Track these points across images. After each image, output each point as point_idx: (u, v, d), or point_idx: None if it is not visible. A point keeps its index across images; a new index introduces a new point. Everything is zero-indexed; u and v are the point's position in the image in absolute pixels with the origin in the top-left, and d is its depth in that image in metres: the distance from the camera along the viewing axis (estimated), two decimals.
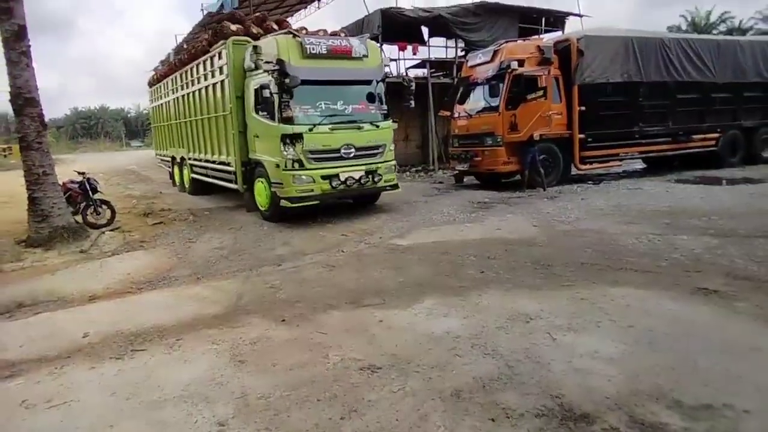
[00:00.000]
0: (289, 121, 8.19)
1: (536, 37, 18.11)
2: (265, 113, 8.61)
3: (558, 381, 3.05)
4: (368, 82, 9.05)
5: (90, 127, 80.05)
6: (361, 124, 8.75)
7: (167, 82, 14.47)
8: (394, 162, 9.32)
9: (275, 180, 8.50)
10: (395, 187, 9.31)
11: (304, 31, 9.34)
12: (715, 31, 45.92)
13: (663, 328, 3.70)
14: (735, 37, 18.40)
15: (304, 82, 8.10)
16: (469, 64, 12.52)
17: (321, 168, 8.39)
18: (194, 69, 11.67)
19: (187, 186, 13.82)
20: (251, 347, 3.84)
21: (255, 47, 8.61)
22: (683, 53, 12.41)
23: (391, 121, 9.22)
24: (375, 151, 8.90)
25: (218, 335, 4.10)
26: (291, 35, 8.59)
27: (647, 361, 3.24)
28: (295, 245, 7.36)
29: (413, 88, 9.79)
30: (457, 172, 12.67)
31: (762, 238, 6.02)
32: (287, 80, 7.98)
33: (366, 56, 9.01)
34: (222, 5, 19.24)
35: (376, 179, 8.86)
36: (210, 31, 10.82)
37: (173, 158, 14.87)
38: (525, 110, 10.83)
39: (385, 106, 9.20)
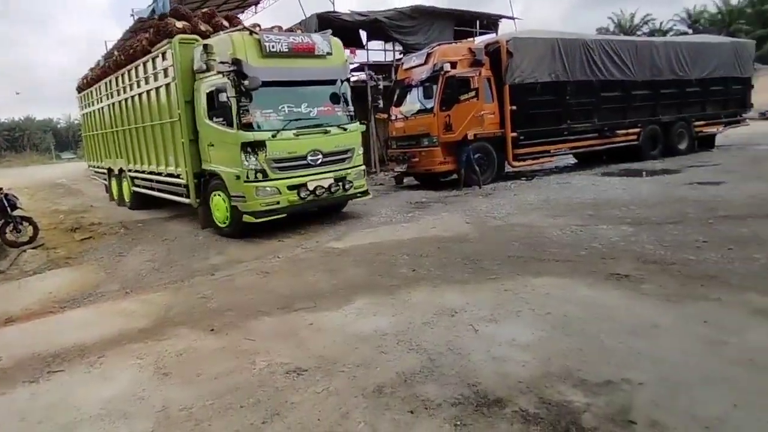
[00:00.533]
0: (249, 127, 7.44)
1: (470, 39, 18.62)
2: (221, 119, 7.80)
3: (476, 370, 3.17)
4: (333, 82, 8.41)
5: (14, 140, 75.38)
6: (327, 128, 8.11)
7: (100, 87, 13.15)
8: (363, 167, 8.81)
9: (236, 193, 7.68)
10: (365, 193, 8.82)
11: (258, 28, 8.54)
12: (639, 33, 48.66)
13: (577, 313, 3.92)
14: (651, 39, 19.56)
15: (265, 84, 7.38)
16: (404, 66, 12.71)
17: (287, 177, 7.70)
18: (133, 71, 10.55)
19: (127, 200, 12.51)
20: (177, 359, 3.77)
21: (206, 46, 7.86)
22: (605, 54, 13.09)
23: (358, 123, 8.75)
24: (344, 157, 8.33)
25: (143, 349, 4.00)
26: (248, 32, 7.76)
27: (560, 345, 3.43)
28: (231, 254, 7.26)
29: (381, 86, 9.35)
30: (396, 173, 12.83)
31: (672, 224, 6.45)
32: (246, 82, 7.24)
33: (330, 54, 8.36)
34: (153, 10, 18.66)
35: (346, 187, 8.28)
36: (152, 30, 9.47)
37: (110, 170, 13.63)
38: (458, 111, 11.11)
39: (351, 108, 8.67)
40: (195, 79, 8.40)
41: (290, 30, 9.49)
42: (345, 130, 8.33)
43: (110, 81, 12.11)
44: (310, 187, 7.86)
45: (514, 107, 11.65)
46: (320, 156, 7.98)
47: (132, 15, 20.41)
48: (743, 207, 7.08)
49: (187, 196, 9.00)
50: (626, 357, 3.19)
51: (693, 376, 2.93)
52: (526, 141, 11.95)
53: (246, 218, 7.64)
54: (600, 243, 5.85)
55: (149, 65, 9.69)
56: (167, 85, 8.98)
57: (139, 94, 10.41)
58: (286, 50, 7.82)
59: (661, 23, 50.49)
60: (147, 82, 9.94)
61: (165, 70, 9.00)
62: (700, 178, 10.14)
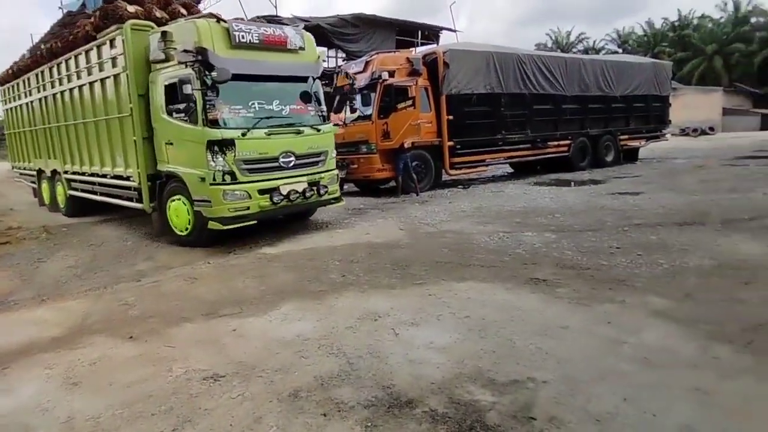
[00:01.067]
0: (215, 124, 6.79)
1: (410, 49, 18.97)
2: (182, 115, 7.07)
3: (392, 372, 3.25)
4: (305, 80, 7.82)
5: None
6: (300, 128, 7.53)
7: (29, 79, 11.72)
8: (336, 172, 8.30)
9: (199, 197, 6.97)
10: (339, 200, 8.29)
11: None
12: (574, 50, 51.19)
13: (494, 316, 4.09)
14: (579, 56, 20.61)
15: (235, 77, 6.75)
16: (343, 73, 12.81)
17: (257, 181, 7.06)
18: (72, 61, 9.40)
19: (62, 206, 11.29)
20: (89, 368, 3.63)
21: (164, 33, 7.03)
22: (537, 68, 13.71)
23: (332, 124, 8.31)
24: (317, 159, 7.77)
25: (53, 359, 3.82)
26: (215, 19, 7.03)
27: (474, 347, 3.57)
28: (160, 259, 7.04)
29: (356, 85, 8.71)
30: None
31: (591, 231, 6.85)
32: (214, 74, 6.60)
33: (302, 49, 7.77)
34: (83, 4, 17.83)
35: (321, 192, 7.71)
36: (97, 13, 8.48)
37: (40, 172, 12.28)
38: (396, 119, 11.31)
39: (324, 107, 8.16)
40: (150, 70, 7.60)
41: (255, 20, 9.10)
42: (318, 131, 7.79)
43: (42, 72, 10.81)
44: (284, 191, 7.24)
45: (451, 117, 11.97)
46: (293, 158, 7.38)
47: (60, 8, 19.47)
48: (655, 216, 7.61)
49: (139, 201, 8.09)
50: (534, 357, 3.37)
51: (592, 374, 3.13)
52: (462, 150, 12.30)
53: (212, 225, 6.93)
54: (523, 249, 6.12)
55: (93, 54, 8.68)
56: (116, 77, 8.08)
57: (80, 87, 9.33)
58: (257, 42, 7.18)
59: (594, 42, 53.50)
60: (90, 73, 8.91)
61: (113, 60, 8.05)
62: (622, 188, 10.80)
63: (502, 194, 10.90)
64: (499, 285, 4.85)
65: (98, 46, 8.45)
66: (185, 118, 7.06)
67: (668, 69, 17.89)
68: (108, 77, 8.32)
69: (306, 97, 7.84)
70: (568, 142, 14.55)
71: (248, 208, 7.01)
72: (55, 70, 10.24)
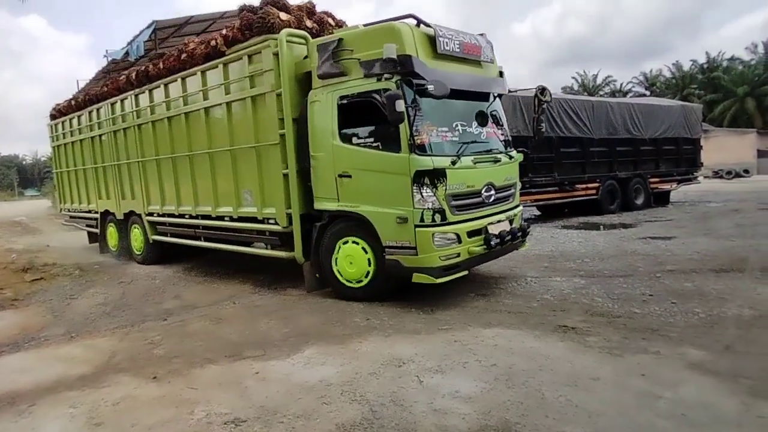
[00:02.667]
0: (422, 150, 5.55)
1: None
2: (370, 140, 5.83)
3: (416, 422, 3.16)
4: (488, 97, 6.62)
5: None
6: (497, 155, 6.42)
7: (98, 110, 10.57)
8: (522, 208, 7.27)
9: (395, 242, 5.64)
10: (524, 242, 7.02)
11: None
12: (600, 93, 51.28)
13: (522, 364, 3.96)
14: (606, 99, 20.57)
15: (463, 94, 5.84)
16: None
17: (466, 220, 5.82)
18: (177, 85, 8.16)
19: (138, 252, 10.10)
20: (113, 408, 3.64)
21: (340, 41, 5.93)
22: (564, 112, 13.74)
23: (515, 151, 6.95)
24: (510, 192, 6.70)
25: (78, 398, 3.85)
26: (415, 22, 5.80)
27: (502, 397, 3.45)
28: (186, 298, 7.12)
29: (550, 99, 6.90)
30: None
31: (622, 277, 6.66)
32: (430, 87, 5.39)
33: (492, 62, 6.67)
34: (127, 53, 18.83)
35: (523, 233, 6.67)
36: (235, 24, 7.05)
37: (105, 214, 11.06)
38: None
39: (507, 130, 7.01)
40: (311, 87, 6.28)
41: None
42: (511, 158, 6.70)
43: (123, 101, 9.65)
44: (494, 231, 6.05)
45: None
46: (493, 191, 6.20)
47: (105, 56, 20.57)
48: (689, 262, 7.37)
49: (282, 247, 6.79)
50: (565, 410, 3.23)
51: (626, 431, 2.98)
52: None
53: (418, 278, 5.56)
54: (552, 295, 5.97)
55: (216, 73, 7.39)
56: (255, 98, 6.78)
57: (188, 113, 8.04)
58: (458, 51, 6.06)
59: (621, 84, 53.53)
60: (206, 97, 7.63)
61: (252, 78, 6.79)
62: (653, 232, 10.54)
63: (530, 237, 10.73)
64: (527, 332, 4.72)
65: (225, 64, 7.20)
66: (374, 144, 5.79)
67: (698, 111, 17.69)
68: (241, 99, 7.00)
69: (495, 118, 6.71)
70: (596, 184, 14.38)
71: (458, 255, 5.68)
72: (146, 96, 8.99)
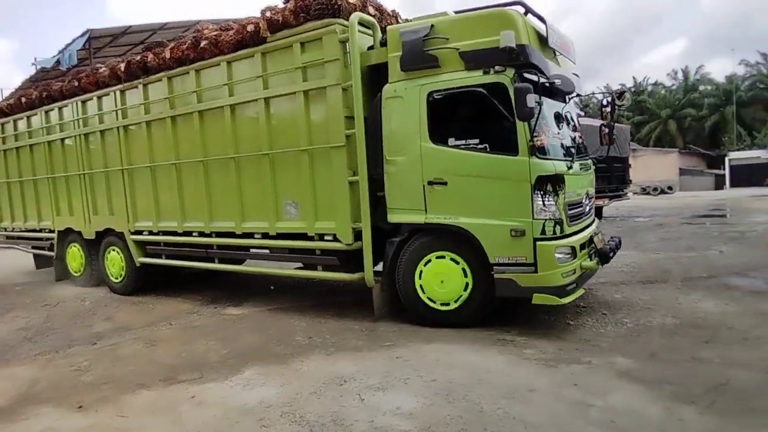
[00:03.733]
0: (542, 152, 4.93)
1: None
2: (475, 141, 5.10)
3: None
4: (566, 98, 5.78)
5: None
6: (588, 162, 6.05)
7: (62, 110, 8.73)
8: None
9: (506, 258, 4.95)
10: None
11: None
12: None
13: (462, 379, 4.02)
14: None
15: (550, 91, 5.12)
16: None
17: (577, 232, 5.34)
18: (199, 75, 6.81)
19: (116, 279, 8.35)
20: None
21: (432, 27, 5.14)
22: None
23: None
24: (593, 203, 6.23)
25: None
26: (523, 10, 5.12)
27: (442, 412, 3.48)
28: (119, 320, 6.77)
29: (627, 103, 6.39)
30: None
31: None
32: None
33: (574, 61, 6.16)
34: (58, 61, 17.91)
35: (618, 247, 6.15)
36: (288, 5, 5.87)
37: (65, 233, 9.15)
38: None
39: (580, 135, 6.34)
40: (379, 81, 5.52)
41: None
42: (594, 165, 6.32)
43: (103, 97, 8.07)
44: (597, 244, 5.62)
45: None
46: (587, 200, 5.78)
47: (34, 64, 19.52)
48: (619, 274, 7.76)
49: (345, 268, 5.85)
50: (502, 423, 3.30)
51: None
52: None
53: (540, 299, 4.90)
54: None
55: (254, 63, 6.22)
56: (313, 93, 5.80)
57: (203, 112, 6.79)
58: (559, 45, 5.51)
59: None
60: (235, 92, 6.48)
61: (306, 69, 5.79)
62: None
63: None
64: (467, 346, 4.80)
65: (265, 53, 6.12)
66: (480, 146, 5.11)
67: (627, 132, 18.81)
68: (288, 95, 5.99)
69: (575, 121, 6.22)
70: None
71: (574, 272, 5.08)
72: (138, 92, 7.54)
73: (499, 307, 5.44)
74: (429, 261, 5.36)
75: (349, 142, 5.57)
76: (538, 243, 4.85)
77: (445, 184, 5.19)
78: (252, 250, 7.01)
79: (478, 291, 5.18)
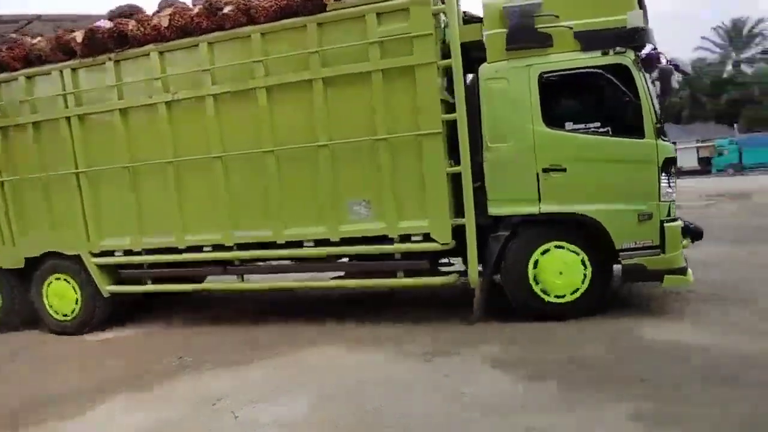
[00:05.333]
0: (664, 134, 4.91)
1: None
2: (596, 124, 4.96)
3: None
4: None
5: None
6: None
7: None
8: None
9: (633, 243, 4.83)
10: None
11: None
12: None
13: (344, 380, 4.06)
14: None
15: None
16: None
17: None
18: (212, 48, 5.53)
19: (65, 317, 6.37)
20: None
21: (540, 4, 4.83)
22: None
23: None
24: None
25: None
26: None
27: (323, 416, 3.49)
28: None
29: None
30: None
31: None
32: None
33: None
34: None
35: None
36: None
37: None
38: None
39: None
40: (488, 60, 5.05)
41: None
42: None
43: (42, 76, 6.15)
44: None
45: None
46: None
47: None
48: None
49: (433, 271, 5.48)
50: (381, 418, 3.38)
51: (438, 429, 3.23)
52: None
53: (671, 281, 4.88)
54: (369, 309, 6.21)
55: (304, 35, 5.22)
56: (394, 71, 5.04)
57: (217, 96, 5.53)
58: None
59: None
60: (271, 71, 5.35)
61: (384, 44, 5.01)
62: None
63: None
64: (348, 346, 4.84)
65: (321, 23, 5.17)
66: (602, 129, 4.96)
67: None
68: (359, 74, 5.13)
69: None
70: None
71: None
72: (108, 70, 5.84)
73: (380, 304, 5.58)
74: (545, 252, 5.03)
75: (457, 126, 4.96)
76: (666, 225, 4.80)
77: (564, 170, 4.91)
78: (280, 262, 6.00)
79: (597, 280, 4.99)
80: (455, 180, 5.04)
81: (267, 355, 4.83)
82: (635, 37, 4.70)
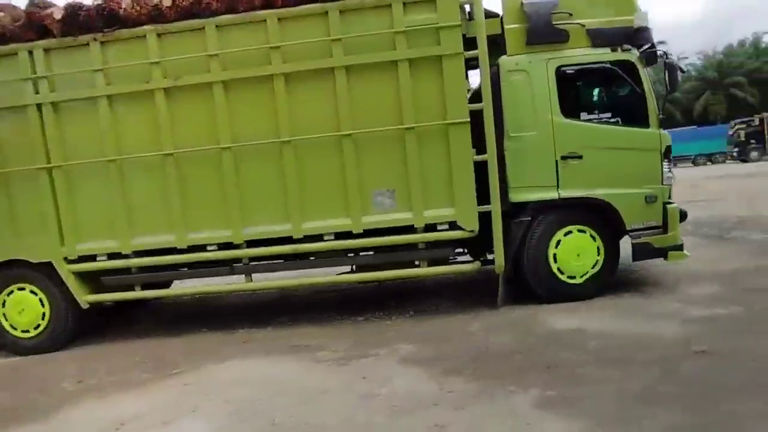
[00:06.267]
0: (664, 124, 5.57)
1: None
2: (607, 114, 5.52)
3: None
4: None
5: None
6: None
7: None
8: None
9: (641, 224, 5.37)
10: None
11: None
12: None
13: (256, 394, 3.93)
14: None
15: None
16: None
17: None
18: (241, 31, 5.26)
19: (29, 332, 5.63)
20: None
21: (554, 2, 5.23)
22: None
23: None
24: None
25: None
26: None
27: None
28: None
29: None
30: None
31: (345, 289, 7.23)
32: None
33: None
34: None
35: None
36: None
37: None
38: None
39: None
40: (508, 52, 5.37)
41: None
42: None
43: (40, 55, 5.33)
44: None
45: None
46: None
47: None
48: None
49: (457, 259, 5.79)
50: (295, 430, 3.31)
51: None
52: None
53: (675, 257, 5.47)
54: (287, 316, 6.10)
55: (325, 21, 5.14)
56: (420, 61, 5.13)
57: (227, 83, 5.24)
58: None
59: None
60: (288, 57, 5.18)
61: (409, 34, 5.07)
62: None
63: None
64: (262, 358, 4.73)
65: (344, 11, 5.12)
66: (612, 119, 5.50)
67: None
68: (389, 63, 5.15)
69: None
70: None
71: None
72: (91, 51, 5.27)
73: (297, 311, 5.46)
74: (567, 233, 5.37)
75: (483, 115, 5.17)
76: (668, 206, 5.36)
77: (581, 157, 5.30)
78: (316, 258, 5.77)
79: (608, 261, 5.39)
80: (476, 169, 5.23)
81: (174, 373, 4.58)
82: (641, 36, 5.26)
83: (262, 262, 5.78)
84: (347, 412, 3.49)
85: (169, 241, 5.45)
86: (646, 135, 5.40)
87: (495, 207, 5.20)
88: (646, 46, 5.29)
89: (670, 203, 5.46)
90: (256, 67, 5.24)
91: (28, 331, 5.62)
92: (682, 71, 6.77)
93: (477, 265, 5.55)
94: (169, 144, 5.32)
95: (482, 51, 5.12)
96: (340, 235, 5.35)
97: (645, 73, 5.36)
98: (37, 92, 5.36)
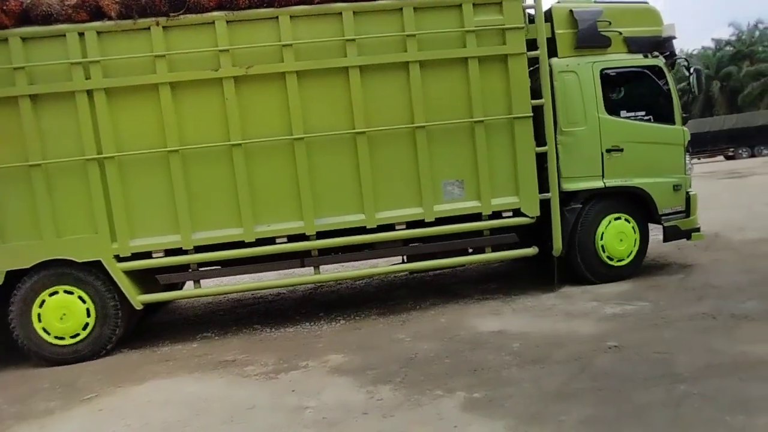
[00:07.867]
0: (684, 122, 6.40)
1: None
2: (642, 113, 6.21)
3: None
4: None
5: None
6: None
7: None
8: None
9: (671, 209, 6.18)
10: None
11: None
12: None
13: (178, 415, 3.74)
14: None
15: None
16: None
17: None
18: (313, 22, 5.31)
19: (70, 338, 5.14)
20: None
21: (601, 12, 5.96)
22: None
23: None
24: None
25: None
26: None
27: None
28: None
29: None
30: None
31: (275, 300, 7.09)
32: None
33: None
34: None
35: None
36: None
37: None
38: None
39: None
40: (559, 55, 5.93)
41: None
42: None
43: (92, 37, 4.99)
44: None
45: None
46: None
47: None
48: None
49: (520, 244, 5.86)
50: None
51: None
52: None
53: (698, 237, 6.36)
54: (212, 331, 5.87)
55: (400, 18, 5.36)
56: (487, 60, 5.54)
57: (301, 73, 5.25)
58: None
59: None
60: (363, 50, 5.34)
61: (479, 34, 5.49)
62: None
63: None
64: (185, 377, 4.51)
65: (417, 9, 5.37)
66: (646, 117, 6.22)
67: None
68: (460, 60, 5.49)
69: None
70: None
71: None
72: (152, 36, 5.06)
73: (224, 324, 5.25)
74: (617, 219, 6.03)
75: (543, 111, 5.72)
76: (690, 193, 6.22)
77: (621, 150, 5.98)
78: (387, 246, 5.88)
79: (642, 244, 6.15)
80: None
81: (86, 398, 4.26)
82: (667, 45, 6.17)
83: (331, 255, 5.82)
84: (275, 428, 3.41)
85: (236, 234, 5.29)
86: (673, 131, 6.22)
87: (554, 195, 5.74)
88: (668, 53, 6.19)
89: (692, 191, 6.30)
90: (331, 59, 5.33)
91: (71, 337, 5.17)
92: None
93: (535, 249, 5.92)
94: (237, 134, 5.21)
95: (542, 52, 5.66)
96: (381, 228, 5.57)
97: (671, 77, 6.21)
98: (87, 77, 5.03)
